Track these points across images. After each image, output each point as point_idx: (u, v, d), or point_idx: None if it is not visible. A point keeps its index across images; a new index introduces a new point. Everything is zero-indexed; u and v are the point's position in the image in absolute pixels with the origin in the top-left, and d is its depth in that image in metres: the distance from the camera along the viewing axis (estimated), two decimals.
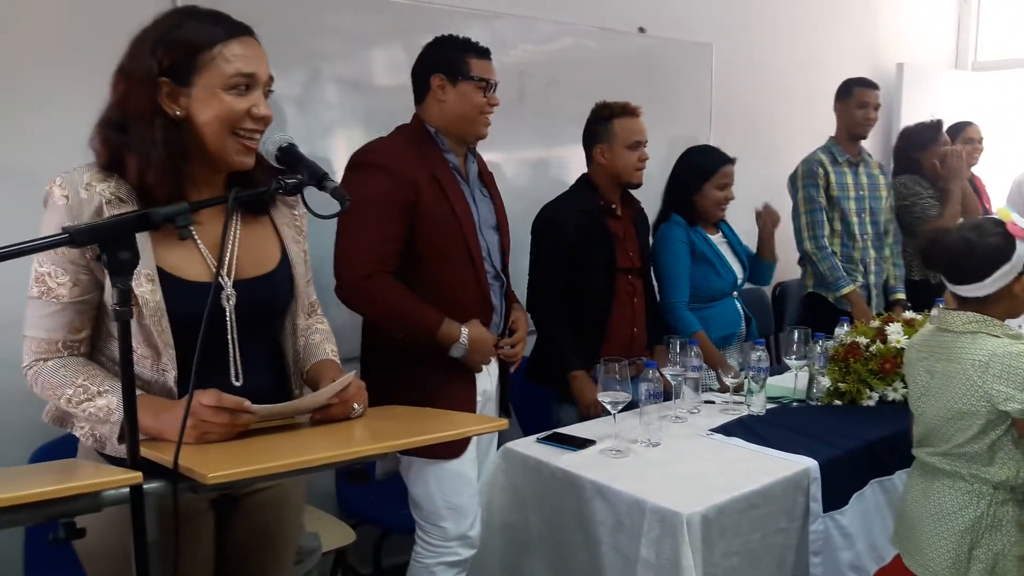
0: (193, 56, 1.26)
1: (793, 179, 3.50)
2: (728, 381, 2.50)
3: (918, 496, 1.90)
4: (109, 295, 1.28)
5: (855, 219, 3.44)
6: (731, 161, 2.86)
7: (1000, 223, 1.79)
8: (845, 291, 3.35)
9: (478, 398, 2.20)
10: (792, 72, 4.26)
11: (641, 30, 3.52)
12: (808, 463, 2.03)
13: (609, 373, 2.01)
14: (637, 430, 2.15)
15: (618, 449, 2.09)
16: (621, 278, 2.67)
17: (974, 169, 4.20)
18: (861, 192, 3.48)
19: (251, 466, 1.03)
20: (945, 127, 3.87)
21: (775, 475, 1.96)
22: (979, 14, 5.43)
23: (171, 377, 1.31)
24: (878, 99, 3.50)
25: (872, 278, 3.50)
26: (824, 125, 3.55)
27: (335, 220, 1.27)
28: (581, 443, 2.14)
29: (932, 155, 3.70)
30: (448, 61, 2.15)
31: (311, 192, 1.26)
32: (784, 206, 3.60)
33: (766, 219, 3.03)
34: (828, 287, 3.40)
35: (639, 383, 2.15)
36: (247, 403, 1.20)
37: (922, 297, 3.43)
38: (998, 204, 4.21)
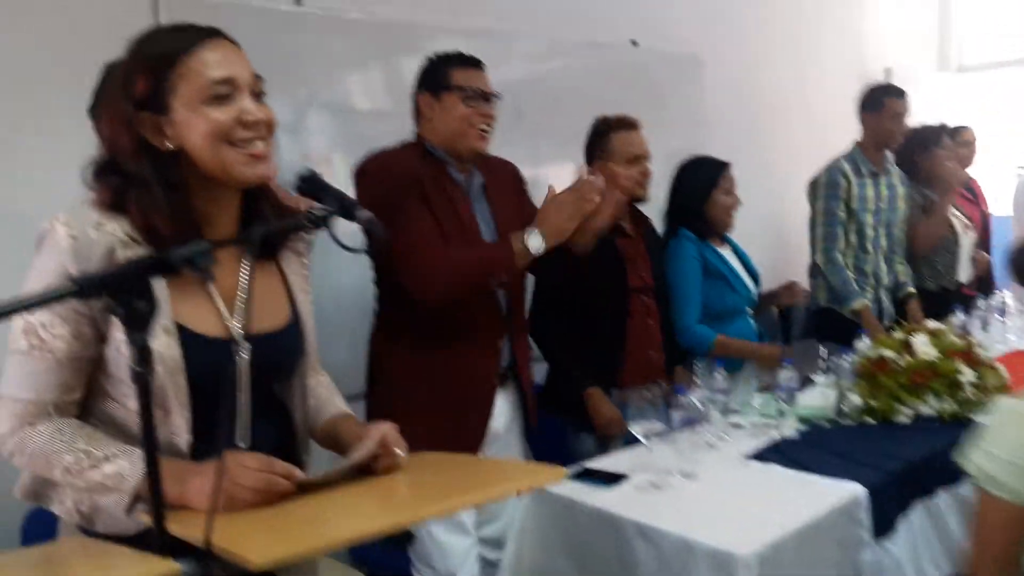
0: (162, 77, 1.11)
1: (814, 187, 3.42)
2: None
3: None
4: (113, 349, 1.13)
5: (871, 232, 3.39)
6: (729, 165, 2.80)
7: None
8: (856, 306, 3.29)
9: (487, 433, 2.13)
10: (783, 80, 4.22)
11: (633, 43, 3.44)
12: (856, 489, 1.91)
13: (640, 400, 1.89)
14: (669, 460, 2.02)
15: (654, 483, 1.95)
16: (635, 299, 2.56)
17: (971, 171, 4.18)
18: (880, 204, 3.42)
19: (301, 545, 0.88)
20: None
21: (824, 504, 1.84)
22: (958, 17, 5.46)
23: (183, 441, 1.15)
24: (908, 107, 3.42)
25: (882, 291, 3.45)
26: (818, 131, 3.51)
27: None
28: (613, 478, 2.00)
29: (933, 158, 3.65)
30: (431, 77, 2.09)
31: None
32: (784, 211, 3.54)
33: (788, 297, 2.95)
34: (839, 301, 3.33)
35: (651, 410, 2.02)
36: (298, 472, 1.05)
37: (937, 306, 3.36)
38: (995, 207, 4.20)
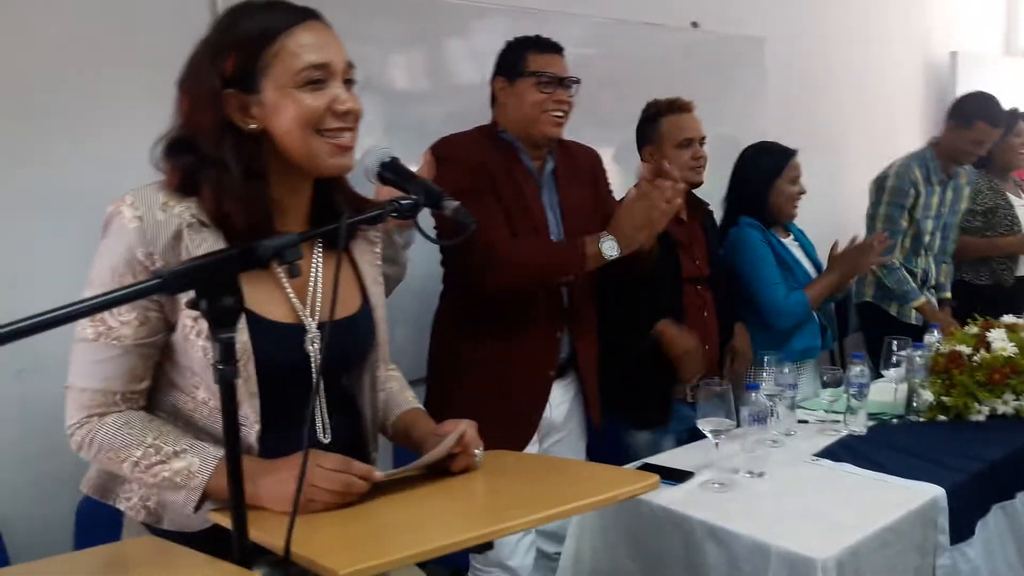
0: (255, 56, 1.06)
1: (880, 187, 3.29)
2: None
3: None
4: (181, 337, 1.10)
5: (927, 237, 3.30)
6: (795, 152, 2.69)
7: None
8: (917, 303, 3.23)
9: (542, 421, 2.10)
10: (845, 64, 4.10)
11: (694, 25, 3.34)
12: (935, 491, 1.83)
13: (710, 394, 1.82)
14: (736, 458, 1.96)
15: (721, 482, 1.89)
16: (689, 290, 2.47)
17: None
18: (942, 210, 3.34)
19: (389, 555, 0.84)
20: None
21: (902, 506, 1.75)
22: None
23: (253, 432, 1.12)
24: (997, 136, 3.27)
25: (926, 291, 3.37)
26: (881, 117, 3.38)
27: None
28: (680, 475, 1.94)
29: (1006, 146, 3.50)
30: (507, 61, 2.06)
31: None
32: (843, 199, 3.44)
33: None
34: (895, 299, 3.26)
35: (720, 406, 1.95)
36: (377, 473, 1.02)
37: (965, 297, 3.36)
38: None
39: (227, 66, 1.07)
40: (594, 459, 2.24)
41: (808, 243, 2.82)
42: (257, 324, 1.10)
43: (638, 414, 2.41)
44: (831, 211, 3.72)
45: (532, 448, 2.11)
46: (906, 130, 4.50)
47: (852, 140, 3.48)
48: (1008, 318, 2.55)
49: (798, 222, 2.82)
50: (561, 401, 2.17)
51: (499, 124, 2.09)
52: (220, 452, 1.08)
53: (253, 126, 1.08)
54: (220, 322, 0.82)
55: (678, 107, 2.43)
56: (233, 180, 1.07)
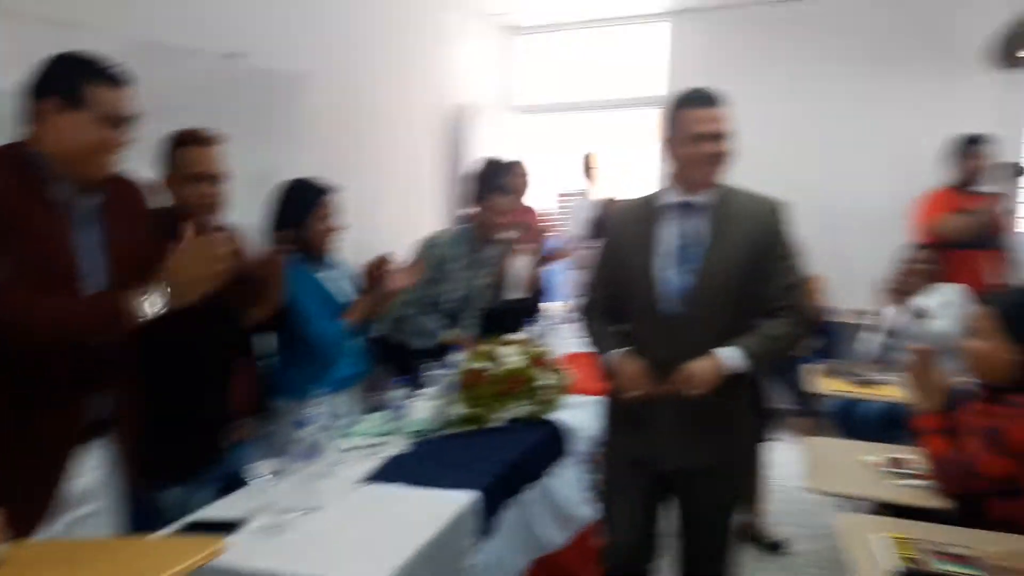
0: None
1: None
2: None
3: None
4: None
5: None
6: (330, 190, 2.74)
7: None
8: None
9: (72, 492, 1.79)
10: (384, 103, 4.47)
11: (231, 56, 3.25)
12: (469, 496, 2.04)
13: (246, 435, 1.78)
14: (287, 497, 1.93)
15: (275, 525, 1.85)
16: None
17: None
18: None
19: None
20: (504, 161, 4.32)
21: (444, 517, 1.92)
22: (519, 66, 6.25)
23: None
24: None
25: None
26: (409, 155, 3.65)
27: None
28: (228, 527, 1.84)
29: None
30: (64, 83, 1.73)
31: None
32: (384, 230, 3.64)
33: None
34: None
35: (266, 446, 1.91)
36: None
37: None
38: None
39: None
40: (142, 528, 1.99)
41: (351, 274, 2.92)
42: None
43: (170, 468, 2.21)
44: (372, 243, 3.91)
45: (59, 526, 1.79)
46: (430, 173, 5.03)
47: (389, 177, 3.73)
48: (516, 335, 2.98)
49: (343, 254, 2.91)
50: (95, 467, 1.87)
51: (33, 145, 1.74)
52: None
53: None
54: None
55: (197, 139, 2.30)
56: None
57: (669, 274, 2.05)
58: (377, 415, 2.43)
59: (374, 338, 3.24)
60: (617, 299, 2.17)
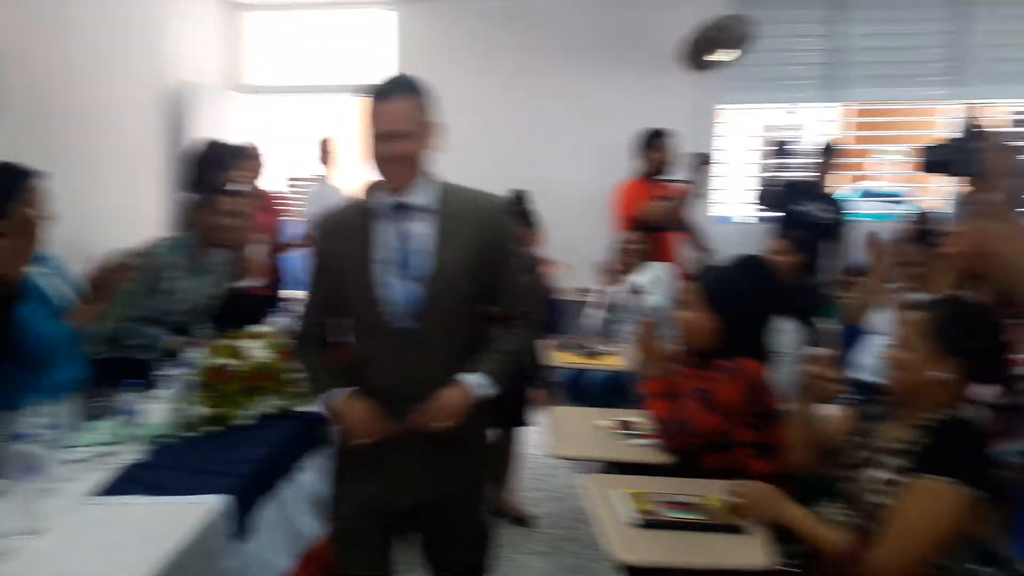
0: None
1: None
2: None
3: None
4: None
5: None
6: (34, 174, 2.42)
7: None
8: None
9: None
10: (92, 84, 4.01)
11: None
12: (216, 500, 1.94)
13: None
14: (7, 520, 1.70)
15: None
16: None
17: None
18: None
19: None
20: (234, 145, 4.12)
21: (190, 524, 1.81)
22: (247, 42, 5.91)
23: None
24: None
25: None
26: (127, 137, 3.35)
27: None
28: None
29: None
30: None
31: None
32: (98, 219, 3.30)
33: None
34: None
35: None
36: None
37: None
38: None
39: None
40: None
41: (62, 269, 2.61)
42: None
43: None
44: (84, 233, 3.52)
45: None
46: (150, 156, 4.61)
47: (103, 162, 3.35)
48: (256, 327, 2.86)
49: (53, 247, 2.58)
50: None
51: None
52: None
53: None
54: None
55: None
56: None
57: (391, 282, 1.83)
58: (106, 422, 2.20)
59: (94, 360, 2.87)
60: (338, 319, 1.97)
